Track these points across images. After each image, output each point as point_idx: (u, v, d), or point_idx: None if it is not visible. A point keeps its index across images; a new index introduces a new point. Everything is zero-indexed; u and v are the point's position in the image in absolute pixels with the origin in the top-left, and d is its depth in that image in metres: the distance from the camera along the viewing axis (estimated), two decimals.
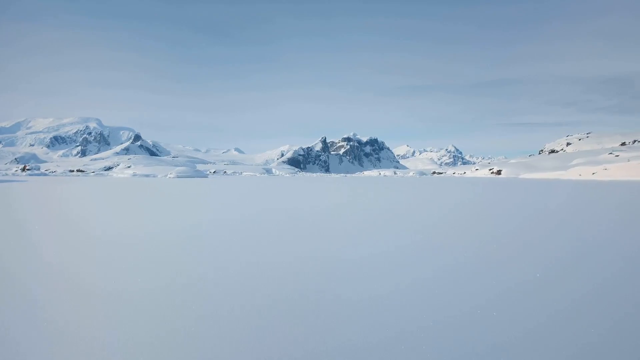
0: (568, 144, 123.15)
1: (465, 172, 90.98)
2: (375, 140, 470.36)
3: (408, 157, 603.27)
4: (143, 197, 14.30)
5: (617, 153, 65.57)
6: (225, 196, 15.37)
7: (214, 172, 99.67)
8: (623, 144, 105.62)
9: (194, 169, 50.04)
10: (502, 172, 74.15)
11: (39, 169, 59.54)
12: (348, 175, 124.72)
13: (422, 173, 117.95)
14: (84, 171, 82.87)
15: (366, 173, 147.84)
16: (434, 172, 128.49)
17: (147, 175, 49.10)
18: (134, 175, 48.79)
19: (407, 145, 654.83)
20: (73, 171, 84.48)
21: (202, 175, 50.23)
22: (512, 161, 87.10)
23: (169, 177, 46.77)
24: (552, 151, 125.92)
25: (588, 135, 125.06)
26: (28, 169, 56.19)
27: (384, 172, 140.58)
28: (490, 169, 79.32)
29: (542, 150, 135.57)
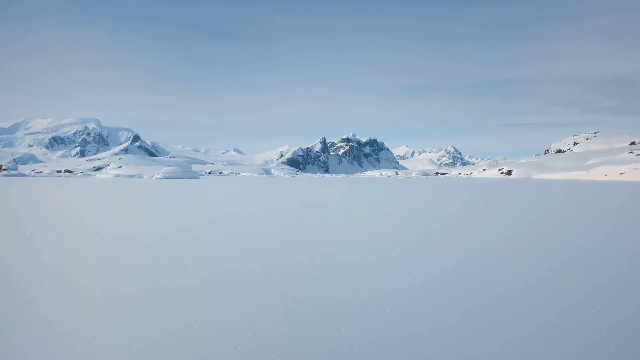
0: (575, 143, 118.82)
1: (472, 173, 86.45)
2: (375, 141, 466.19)
3: (407, 158, 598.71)
4: (100, 200, 12.43)
5: (637, 152, 61.18)
6: (205, 198, 13.57)
7: (209, 172, 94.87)
8: (632, 143, 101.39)
9: (183, 169, 45.36)
10: (512, 173, 69.68)
11: (16, 169, 54.80)
12: (350, 175, 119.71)
13: (425, 173, 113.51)
14: (72, 172, 78.35)
15: (367, 173, 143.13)
16: (437, 173, 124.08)
17: (131, 176, 44.43)
18: (117, 176, 44.17)
19: (406, 146, 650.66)
20: (60, 172, 79.96)
21: (193, 175, 45.55)
22: (521, 161, 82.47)
23: (155, 178, 42.17)
24: (559, 151, 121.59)
25: (595, 134, 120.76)
26: (4, 169, 51.71)
27: (385, 172, 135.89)
28: (499, 169, 74.79)
29: (547, 150, 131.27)
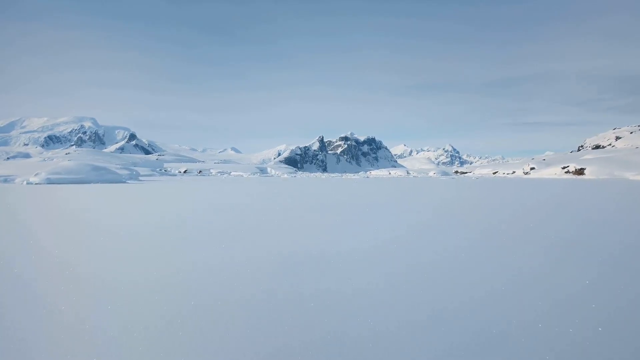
0: (617, 137, 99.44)
1: (514, 172, 66.48)
2: (373, 140, 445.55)
3: (405, 157, 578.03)
4: None
5: None
6: None
7: (184, 171, 73.63)
8: None
9: (92, 168, 25.08)
10: (586, 172, 49.98)
11: None
12: (370, 175, 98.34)
13: (445, 173, 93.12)
14: None
15: (374, 173, 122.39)
16: (456, 172, 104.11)
17: None
18: None
19: (404, 145, 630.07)
20: None
21: (111, 179, 25.00)
22: (587, 157, 62.34)
23: (29, 182, 21.75)
24: (597, 146, 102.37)
25: None
26: None
27: (395, 172, 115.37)
28: (563, 167, 54.72)
29: (581, 146, 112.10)
